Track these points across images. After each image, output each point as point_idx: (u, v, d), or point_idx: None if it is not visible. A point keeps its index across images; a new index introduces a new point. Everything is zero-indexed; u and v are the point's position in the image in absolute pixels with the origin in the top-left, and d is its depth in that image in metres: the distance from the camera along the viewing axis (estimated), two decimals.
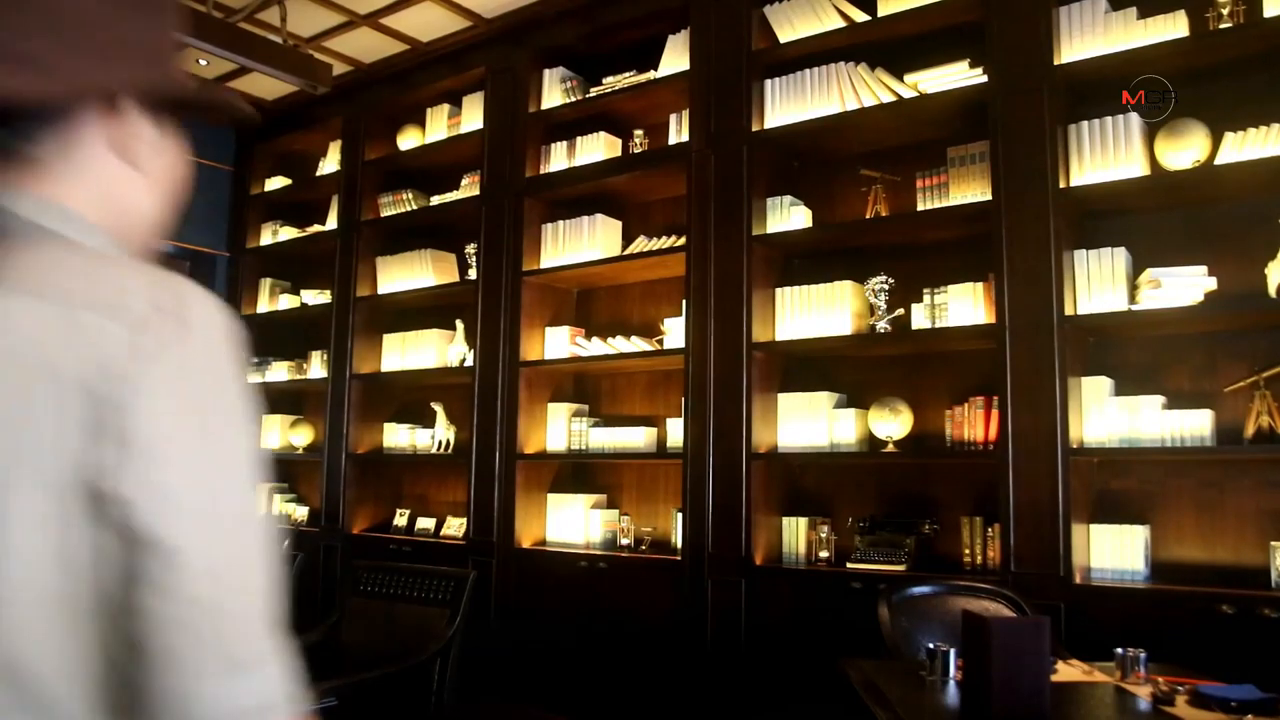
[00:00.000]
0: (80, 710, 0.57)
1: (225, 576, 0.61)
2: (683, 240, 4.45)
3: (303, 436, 6.11)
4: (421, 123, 5.78)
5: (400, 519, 5.60)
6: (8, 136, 0.67)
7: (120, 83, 0.69)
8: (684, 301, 4.36)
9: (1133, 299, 3.43)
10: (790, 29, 4.24)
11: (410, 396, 5.85)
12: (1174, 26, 3.40)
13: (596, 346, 4.78)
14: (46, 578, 0.57)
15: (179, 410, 0.60)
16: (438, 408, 5.43)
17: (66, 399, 0.57)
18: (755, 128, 4.25)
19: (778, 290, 4.23)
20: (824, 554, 3.99)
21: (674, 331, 4.53)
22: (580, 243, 4.86)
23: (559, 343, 4.94)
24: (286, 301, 6.46)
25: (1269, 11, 3.25)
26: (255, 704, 0.60)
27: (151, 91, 0.71)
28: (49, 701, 0.57)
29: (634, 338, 4.71)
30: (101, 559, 0.58)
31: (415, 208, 5.69)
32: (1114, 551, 3.40)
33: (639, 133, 4.81)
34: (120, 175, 0.71)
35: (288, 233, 6.48)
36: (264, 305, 6.57)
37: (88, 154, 0.69)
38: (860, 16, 4.08)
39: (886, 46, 4.08)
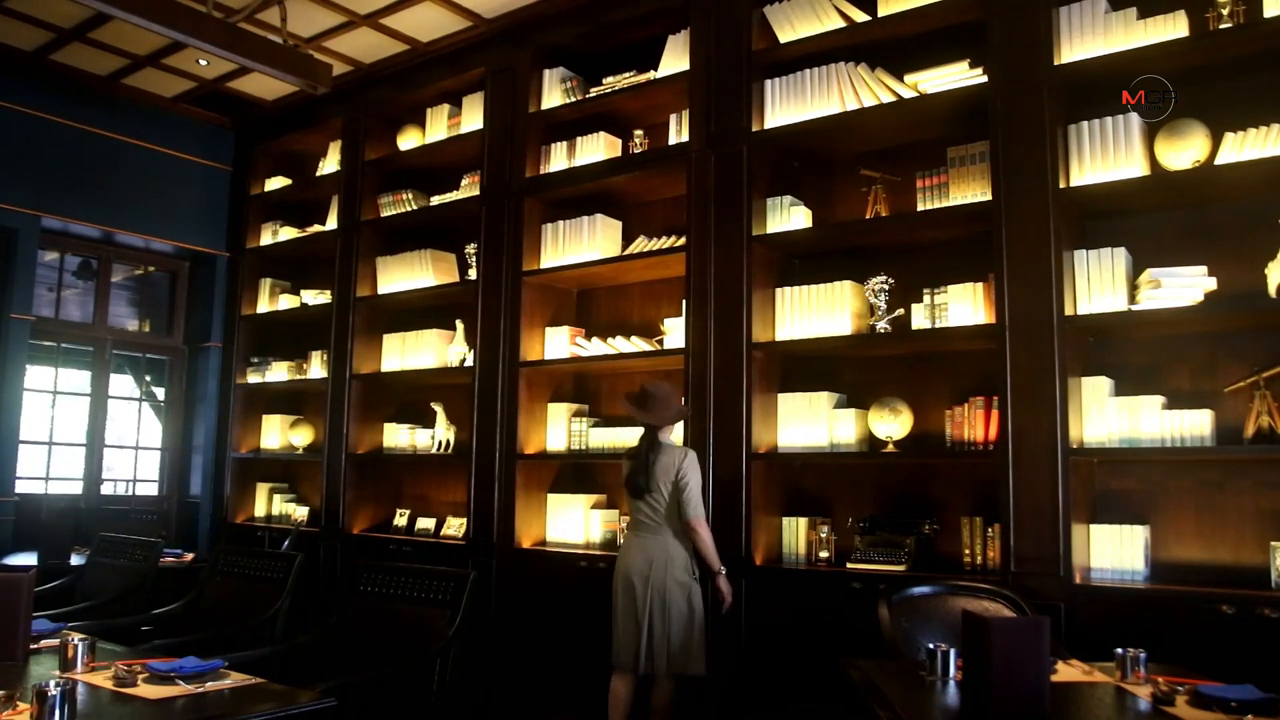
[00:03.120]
0: (674, 510, 3.71)
1: (695, 493, 3.71)
2: (683, 240, 4.45)
3: (303, 436, 6.11)
4: (421, 123, 5.78)
5: (400, 519, 5.60)
6: (660, 429, 3.81)
7: (673, 418, 3.84)
8: (684, 302, 4.37)
9: (1133, 299, 3.43)
10: (790, 29, 4.24)
11: (410, 396, 5.85)
12: (1174, 26, 3.40)
13: (596, 347, 4.78)
14: (673, 491, 3.71)
15: (690, 465, 3.73)
16: (438, 408, 5.43)
17: (674, 463, 3.74)
18: (755, 128, 4.25)
19: (778, 290, 4.23)
20: (824, 554, 3.99)
21: (674, 332, 4.53)
22: (580, 243, 4.86)
23: (559, 343, 4.94)
24: (286, 301, 6.46)
25: (1269, 11, 3.25)
26: (698, 515, 3.69)
27: (679, 418, 3.94)
28: (672, 506, 3.71)
29: (634, 338, 4.71)
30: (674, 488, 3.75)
31: (415, 208, 5.69)
32: (1114, 551, 3.40)
33: (639, 133, 4.81)
34: (671, 431, 3.94)
35: (288, 233, 6.48)
36: (264, 305, 6.57)
37: (670, 430, 3.87)
38: (860, 16, 4.08)
39: (886, 46, 4.08)
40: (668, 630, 3.63)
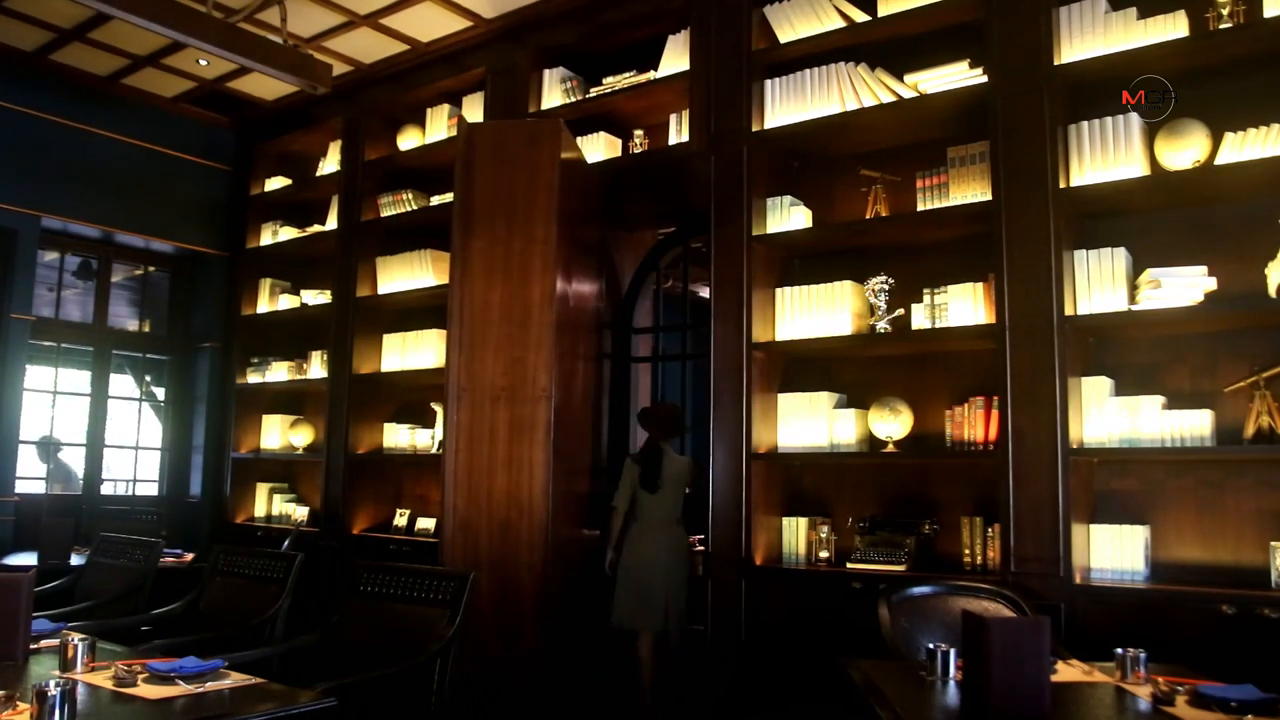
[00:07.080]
0: (680, 506, 4.48)
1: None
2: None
3: (303, 436, 6.11)
4: (421, 123, 5.78)
5: (400, 519, 5.59)
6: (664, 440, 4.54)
7: (673, 433, 4.54)
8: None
9: (1133, 299, 3.43)
10: (790, 29, 4.24)
11: (410, 396, 5.85)
12: (1174, 26, 3.40)
13: None
14: (682, 489, 4.46)
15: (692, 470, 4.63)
16: (438, 408, 5.42)
17: (685, 470, 4.47)
18: (755, 128, 4.25)
19: (778, 290, 4.23)
20: (824, 554, 3.99)
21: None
22: None
23: None
24: (286, 301, 6.46)
25: (1269, 11, 3.25)
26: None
27: (679, 434, 4.65)
28: (679, 504, 4.43)
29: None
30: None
31: (415, 208, 5.69)
32: (1114, 551, 3.40)
33: (639, 133, 4.81)
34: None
35: (288, 233, 6.48)
36: (264, 305, 6.57)
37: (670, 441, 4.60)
38: (860, 16, 4.08)
39: (886, 46, 4.08)
40: (680, 601, 4.35)
